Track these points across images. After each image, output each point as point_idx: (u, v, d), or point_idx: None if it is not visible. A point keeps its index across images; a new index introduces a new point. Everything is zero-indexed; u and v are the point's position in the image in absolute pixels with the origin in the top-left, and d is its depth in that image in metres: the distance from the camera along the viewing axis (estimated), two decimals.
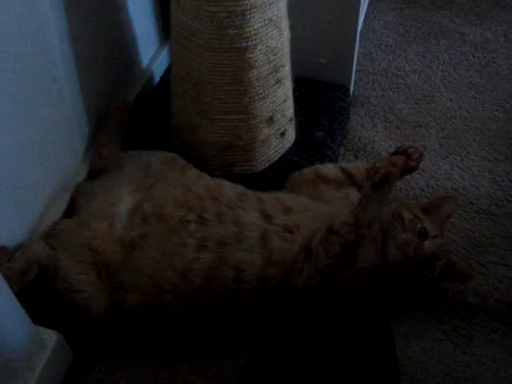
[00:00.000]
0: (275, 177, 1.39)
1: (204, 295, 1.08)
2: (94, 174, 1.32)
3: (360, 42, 1.68)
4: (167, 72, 1.64)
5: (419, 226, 1.12)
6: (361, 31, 1.71)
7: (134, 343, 1.14)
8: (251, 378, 0.99)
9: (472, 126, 1.61)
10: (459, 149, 1.55)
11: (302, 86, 1.56)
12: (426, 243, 1.11)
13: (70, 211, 1.25)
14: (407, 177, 1.45)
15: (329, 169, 1.29)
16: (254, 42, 1.18)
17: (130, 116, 1.46)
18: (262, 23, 1.18)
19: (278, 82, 1.30)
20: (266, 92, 1.28)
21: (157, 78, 1.67)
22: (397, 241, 1.11)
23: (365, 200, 1.04)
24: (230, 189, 1.19)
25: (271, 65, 1.25)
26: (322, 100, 1.59)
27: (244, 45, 1.18)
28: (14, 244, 1.13)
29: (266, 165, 1.41)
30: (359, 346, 0.93)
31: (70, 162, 1.32)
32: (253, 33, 1.17)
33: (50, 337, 1.06)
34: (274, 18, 1.20)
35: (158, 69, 1.67)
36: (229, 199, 1.15)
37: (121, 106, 1.44)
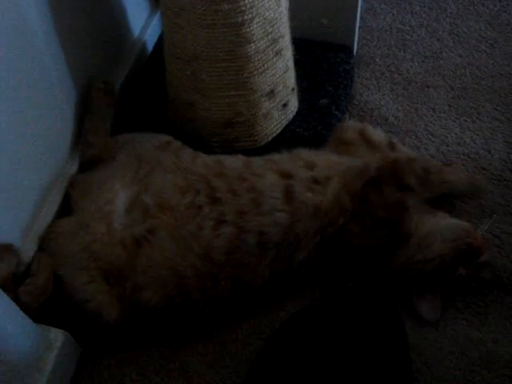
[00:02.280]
0: (279, 150, 1.34)
1: (227, 267, 1.06)
2: (86, 166, 1.24)
3: None
4: (161, 38, 1.56)
5: None
6: None
7: (142, 334, 1.11)
8: (263, 370, 0.99)
9: (483, 83, 1.53)
10: (470, 110, 1.47)
11: (304, 49, 1.49)
12: None
13: (65, 206, 1.19)
14: (417, 144, 1.40)
15: (377, 133, 1.28)
16: (249, 16, 1.11)
17: (114, 96, 1.34)
18: None
19: (278, 53, 1.23)
20: (266, 65, 1.21)
21: (150, 46, 1.59)
22: None
23: None
24: (232, 160, 1.16)
25: (269, 37, 1.18)
26: (324, 63, 1.51)
27: (239, 19, 1.10)
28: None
29: (269, 138, 1.36)
30: (368, 335, 0.94)
31: (59, 155, 1.24)
32: (248, 6, 1.09)
33: (57, 336, 1.04)
34: None
35: (151, 37, 1.59)
36: (237, 170, 1.12)
37: (101, 88, 1.31)
